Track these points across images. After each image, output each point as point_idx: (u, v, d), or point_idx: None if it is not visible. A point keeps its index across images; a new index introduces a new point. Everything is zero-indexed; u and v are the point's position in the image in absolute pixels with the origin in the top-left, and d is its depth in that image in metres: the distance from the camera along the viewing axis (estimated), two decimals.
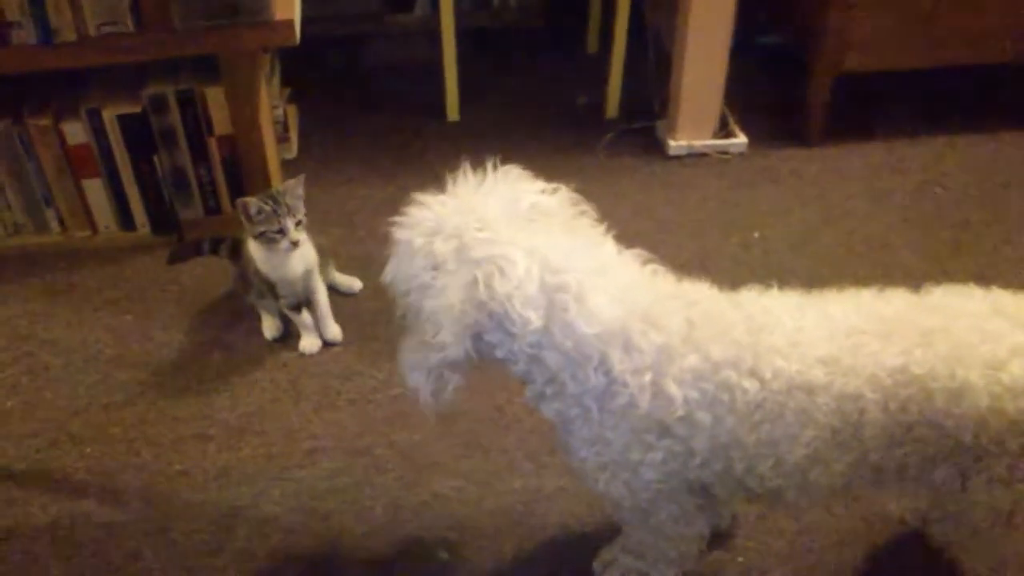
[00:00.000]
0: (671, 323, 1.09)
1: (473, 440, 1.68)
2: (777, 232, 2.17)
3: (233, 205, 1.75)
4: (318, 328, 1.89)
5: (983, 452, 1.09)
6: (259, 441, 1.70)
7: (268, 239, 1.72)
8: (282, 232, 1.71)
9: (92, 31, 1.82)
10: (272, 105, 2.24)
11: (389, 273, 1.12)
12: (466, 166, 1.11)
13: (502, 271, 1.01)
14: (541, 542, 1.51)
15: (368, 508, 1.57)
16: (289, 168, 2.33)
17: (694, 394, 1.08)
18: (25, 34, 1.80)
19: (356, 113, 2.62)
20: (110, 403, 1.79)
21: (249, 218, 1.70)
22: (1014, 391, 1.04)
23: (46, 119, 2.01)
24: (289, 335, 1.92)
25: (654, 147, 2.47)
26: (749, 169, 2.39)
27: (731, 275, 1.28)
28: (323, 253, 1.89)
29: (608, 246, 1.12)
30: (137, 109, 2.02)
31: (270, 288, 1.81)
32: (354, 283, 2.03)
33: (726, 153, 2.43)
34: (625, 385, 1.08)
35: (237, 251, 1.87)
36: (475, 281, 1.02)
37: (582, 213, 1.14)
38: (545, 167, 1.16)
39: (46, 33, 1.81)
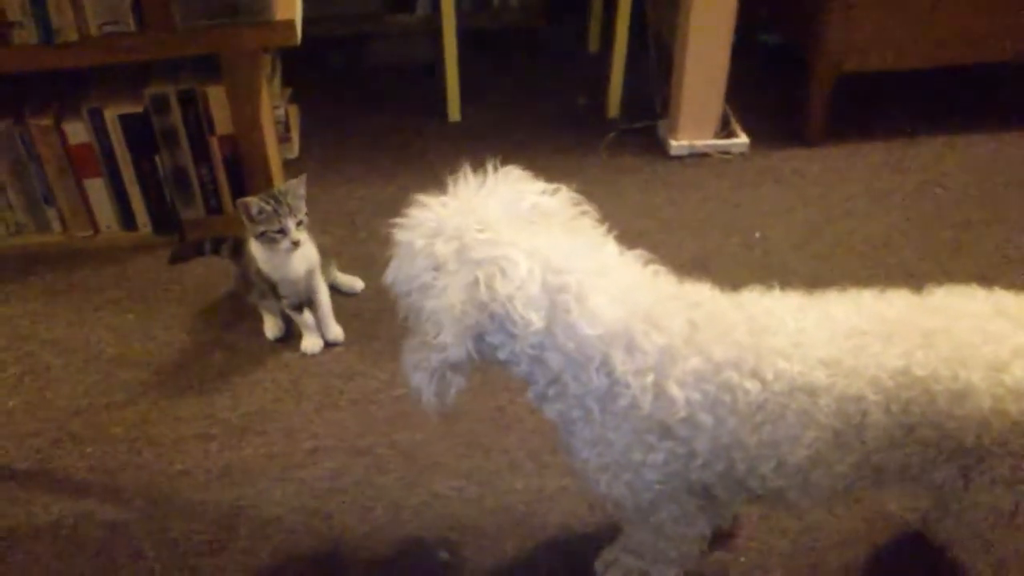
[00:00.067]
0: (673, 324, 1.09)
1: (474, 440, 1.68)
2: (778, 232, 2.17)
3: (234, 205, 1.75)
4: (320, 328, 1.89)
5: (985, 453, 1.09)
6: (261, 441, 1.70)
7: (269, 239, 1.72)
8: (283, 232, 1.71)
9: (93, 31, 1.82)
10: (273, 105, 2.24)
11: (390, 274, 1.12)
12: (466, 167, 1.11)
13: (503, 272, 1.01)
14: (542, 542, 1.51)
15: (369, 508, 1.58)
16: (290, 168, 2.33)
17: (696, 395, 1.08)
18: (27, 34, 1.80)
19: (357, 113, 2.62)
20: (111, 403, 1.79)
21: (250, 218, 1.70)
22: (1017, 392, 1.04)
23: (48, 119, 2.01)
24: (291, 335, 1.92)
25: (655, 147, 2.47)
26: (750, 169, 2.39)
27: (732, 275, 1.28)
28: (325, 253, 1.89)
29: (609, 247, 1.13)
30: (139, 109, 2.02)
31: (272, 288, 1.81)
32: (356, 283, 2.03)
33: (727, 153, 2.43)
34: (627, 386, 1.08)
35: (239, 251, 1.87)
36: (476, 282, 1.02)
37: (583, 214, 1.14)
38: (546, 167, 1.16)
39: (47, 33, 1.81)
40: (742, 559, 1.47)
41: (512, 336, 1.05)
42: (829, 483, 1.13)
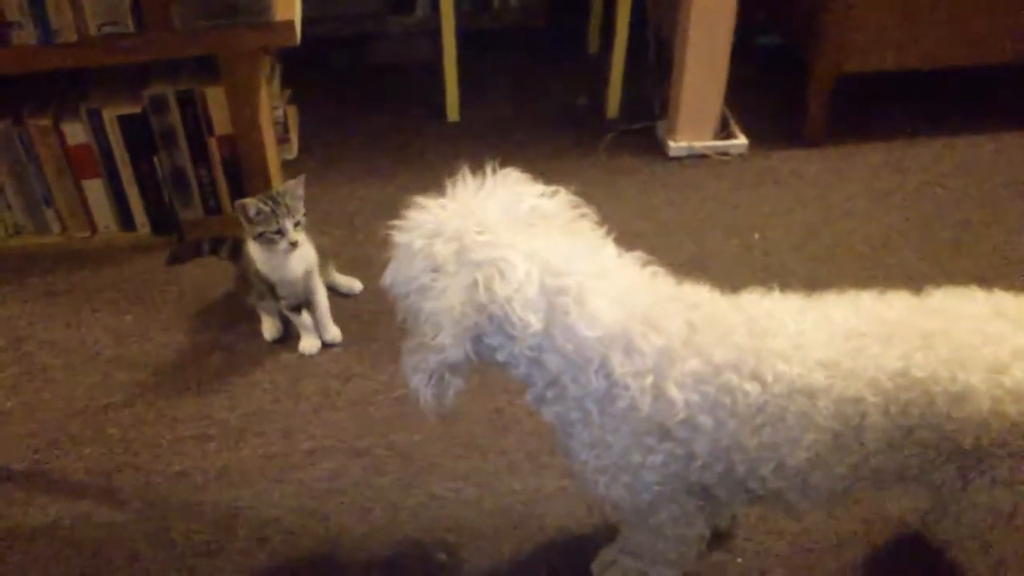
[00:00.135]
0: (672, 326, 1.09)
1: (472, 441, 1.68)
2: (777, 233, 2.17)
3: (233, 206, 1.75)
4: (318, 329, 1.89)
5: (984, 454, 1.09)
6: (259, 442, 1.70)
7: (267, 240, 1.72)
8: (281, 233, 1.71)
9: (92, 31, 1.82)
10: (272, 106, 2.24)
11: (389, 275, 1.12)
12: (465, 169, 1.11)
13: (502, 274, 1.01)
14: (540, 543, 1.51)
15: (367, 509, 1.57)
16: (289, 169, 2.33)
17: (695, 397, 1.08)
18: (25, 34, 1.80)
19: (356, 114, 2.62)
20: (109, 404, 1.79)
21: (248, 219, 1.70)
22: (1016, 394, 1.04)
23: (46, 119, 2.01)
24: (289, 336, 1.91)
25: (654, 148, 2.47)
26: (749, 170, 2.38)
27: (731, 276, 1.28)
28: (323, 254, 1.89)
29: (608, 249, 1.12)
30: (137, 109, 2.02)
31: (270, 289, 1.81)
32: (354, 284, 2.03)
33: (726, 154, 2.43)
34: (626, 388, 1.07)
35: (237, 252, 1.87)
36: (475, 283, 1.02)
37: (582, 216, 1.14)
38: (545, 168, 1.17)
39: (46, 33, 1.80)
40: (740, 560, 1.47)
41: (511, 338, 1.05)
42: (828, 485, 1.13)
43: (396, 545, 1.52)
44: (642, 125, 2.52)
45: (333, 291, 1.99)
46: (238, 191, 2.08)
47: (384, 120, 2.59)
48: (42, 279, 2.09)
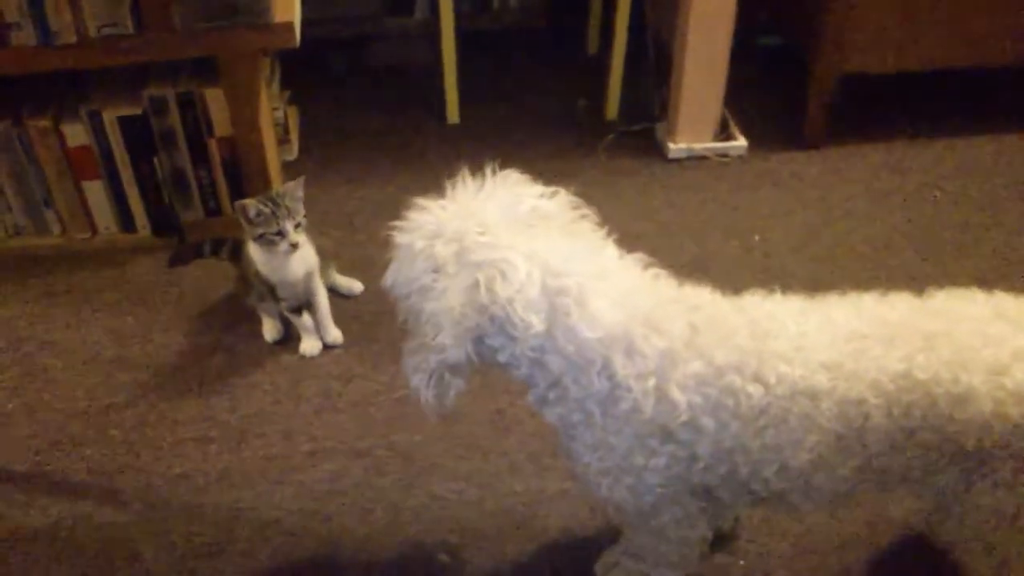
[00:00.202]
0: (673, 328, 1.09)
1: (474, 442, 1.68)
2: (778, 234, 2.17)
3: (233, 207, 1.75)
4: (318, 330, 1.89)
5: (987, 456, 1.09)
6: (260, 443, 1.70)
7: (267, 241, 1.72)
8: (281, 234, 1.71)
9: (92, 32, 1.82)
10: (272, 107, 2.24)
11: (390, 276, 1.12)
12: (465, 170, 1.11)
13: (503, 275, 1.01)
14: (542, 545, 1.51)
15: (368, 510, 1.57)
16: (289, 170, 2.33)
17: (698, 399, 1.08)
18: (25, 35, 1.80)
19: (356, 115, 2.62)
20: (110, 405, 1.78)
21: (248, 220, 1.70)
22: (1017, 395, 1.04)
23: (46, 120, 2.01)
24: (290, 337, 1.91)
25: (654, 149, 2.47)
26: (749, 171, 2.38)
27: (732, 278, 1.28)
28: (324, 255, 1.88)
29: (609, 250, 1.12)
30: (137, 111, 2.01)
31: (270, 290, 1.81)
32: (354, 285, 2.03)
33: (726, 155, 2.43)
34: (629, 390, 1.07)
35: (238, 253, 1.87)
36: (476, 284, 1.02)
37: (582, 217, 1.14)
38: (545, 169, 1.17)
39: (46, 34, 1.80)
40: (742, 562, 1.47)
41: (512, 339, 1.04)
42: (831, 486, 1.13)
43: (397, 546, 1.52)
44: (642, 126, 2.52)
45: (334, 292, 1.99)
46: (238, 192, 2.08)
47: (384, 121, 2.59)
48: (42, 280, 2.09)
